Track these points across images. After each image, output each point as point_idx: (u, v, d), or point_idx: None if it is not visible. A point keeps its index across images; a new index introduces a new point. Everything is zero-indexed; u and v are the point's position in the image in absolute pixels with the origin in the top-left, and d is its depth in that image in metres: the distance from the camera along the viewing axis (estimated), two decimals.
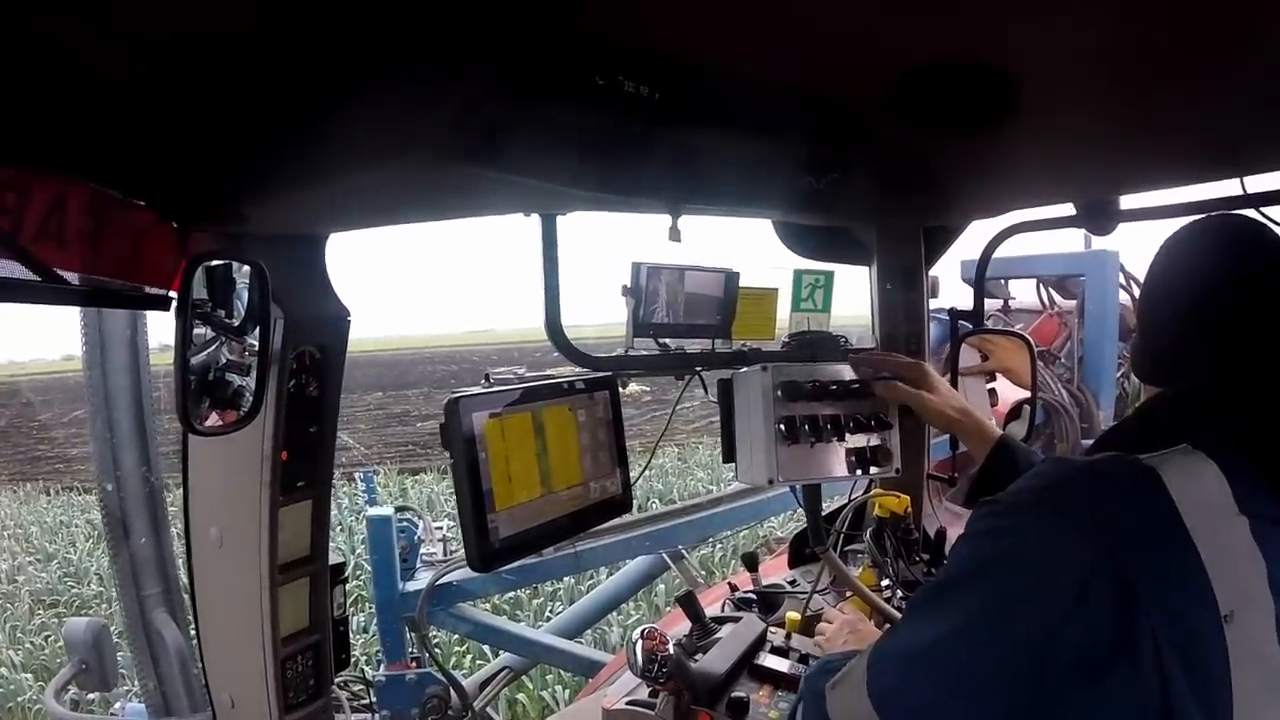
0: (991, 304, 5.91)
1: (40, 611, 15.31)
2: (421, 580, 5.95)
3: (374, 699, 5.55)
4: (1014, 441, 2.29)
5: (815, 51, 1.58)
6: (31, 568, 17.71)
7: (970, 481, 2.38)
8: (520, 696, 9.86)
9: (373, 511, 6.12)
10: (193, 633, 3.69)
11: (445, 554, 6.20)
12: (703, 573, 8.37)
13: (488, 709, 6.36)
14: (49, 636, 13.83)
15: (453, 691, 5.86)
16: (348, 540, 15.17)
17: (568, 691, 9.74)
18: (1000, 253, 3.03)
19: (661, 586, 12.34)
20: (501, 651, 7.36)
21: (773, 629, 2.62)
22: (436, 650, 6.31)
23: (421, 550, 6.20)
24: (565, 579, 12.91)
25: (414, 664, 5.92)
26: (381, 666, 6.04)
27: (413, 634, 5.97)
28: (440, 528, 6.39)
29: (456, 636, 9.60)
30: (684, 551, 7.62)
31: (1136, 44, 1.49)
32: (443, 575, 5.92)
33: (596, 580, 10.48)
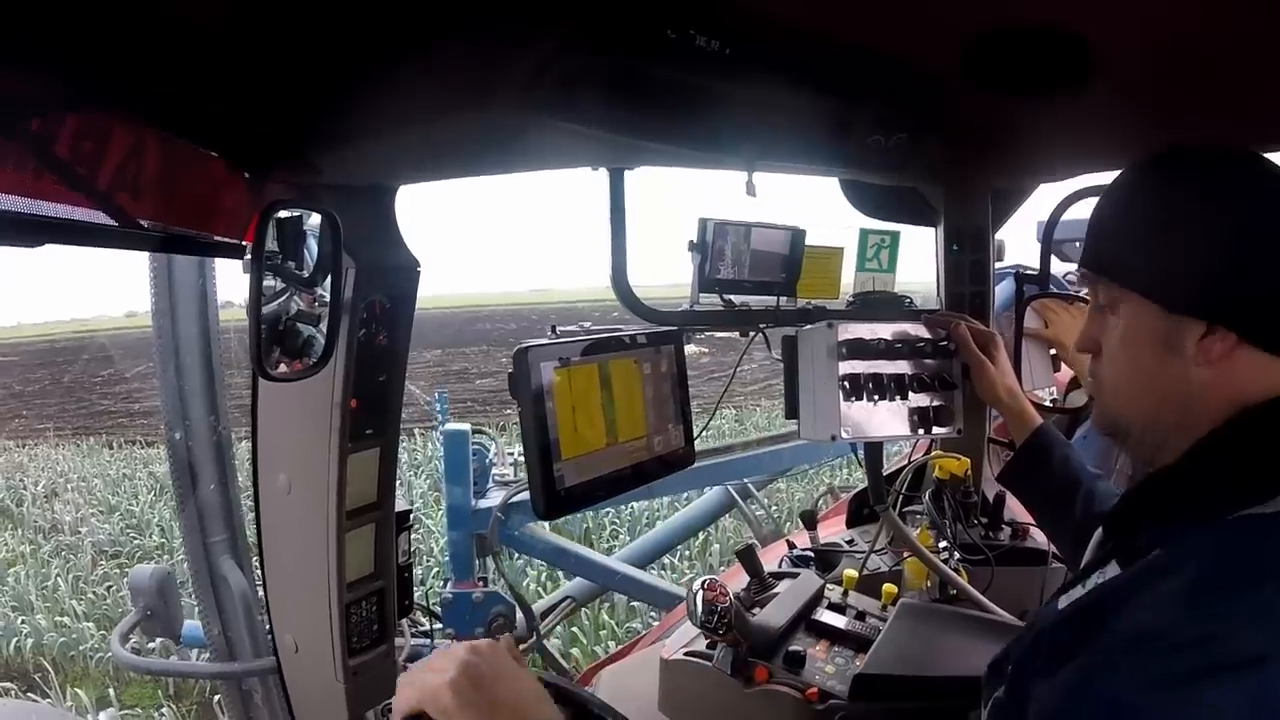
0: (1067, 267, 5.81)
1: (103, 562, 15.69)
2: (494, 499, 6.01)
3: (438, 617, 5.69)
4: (1051, 434, 2.27)
5: (889, 10, 1.57)
6: (94, 519, 18.08)
7: (1004, 464, 2.38)
8: (574, 651, 9.96)
9: (450, 426, 6.20)
10: (258, 579, 3.75)
11: (517, 475, 6.25)
12: (768, 517, 8.35)
13: (544, 643, 6.43)
14: (111, 587, 14.22)
15: (519, 613, 5.94)
16: (406, 494, 15.36)
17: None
18: (1078, 214, 2.99)
19: (716, 547, 12.42)
20: (566, 582, 7.46)
21: (830, 585, 2.64)
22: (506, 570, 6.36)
23: (494, 472, 6.26)
24: (620, 538, 13.08)
25: (480, 583, 5.99)
26: (448, 585, 6.12)
27: (482, 557, 6.06)
28: (512, 451, 6.45)
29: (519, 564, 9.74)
30: (751, 488, 7.65)
31: (1209, 8, 1.47)
32: (516, 494, 5.97)
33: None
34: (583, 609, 10.23)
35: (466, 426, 6.14)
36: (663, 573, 11.86)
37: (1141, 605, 1.17)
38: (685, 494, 9.68)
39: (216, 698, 9.60)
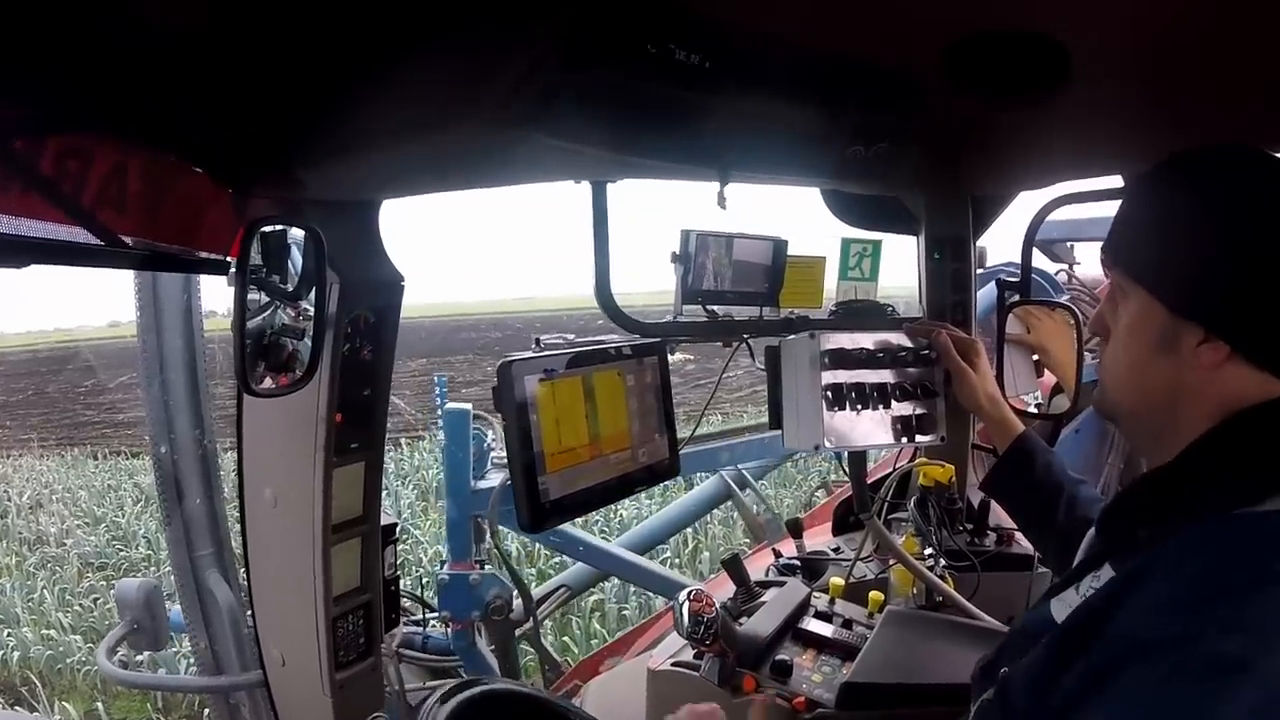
0: (1061, 265, 5.88)
1: (89, 574, 15.56)
2: (493, 480, 5.97)
3: (431, 607, 5.69)
4: (1033, 441, 2.28)
5: (868, 19, 1.58)
6: (80, 531, 17.94)
7: (988, 472, 2.39)
8: (565, 659, 9.97)
9: (452, 405, 6.18)
10: (244, 593, 3.75)
11: None
12: (766, 508, 8.30)
13: (540, 630, 6.41)
14: (97, 599, 14.11)
15: (516, 597, 5.92)
16: (394, 505, 15.38)
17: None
18: (1069, 214, 3.01)
19: (706, 554, 12.41)
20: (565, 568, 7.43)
21: (816, 594, 2.64)
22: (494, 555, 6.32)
23: (492, 455, 6.24)
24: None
25: (477, 566, 5.97)
26: (444, 567, 6.09)
27: (478, 543, 6.03)
28: None
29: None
30: (748, 477, 7.62)
31: (1187, 13, 1.48)
32: None
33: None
34: (574, 619, 10.23)
35: (468, 406, 6.11)
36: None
37: (1135, 608, 1.17)
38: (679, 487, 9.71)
39: (206, 710, 9.62)
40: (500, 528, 6.09)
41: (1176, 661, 1.07)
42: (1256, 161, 1.37)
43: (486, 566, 6.06)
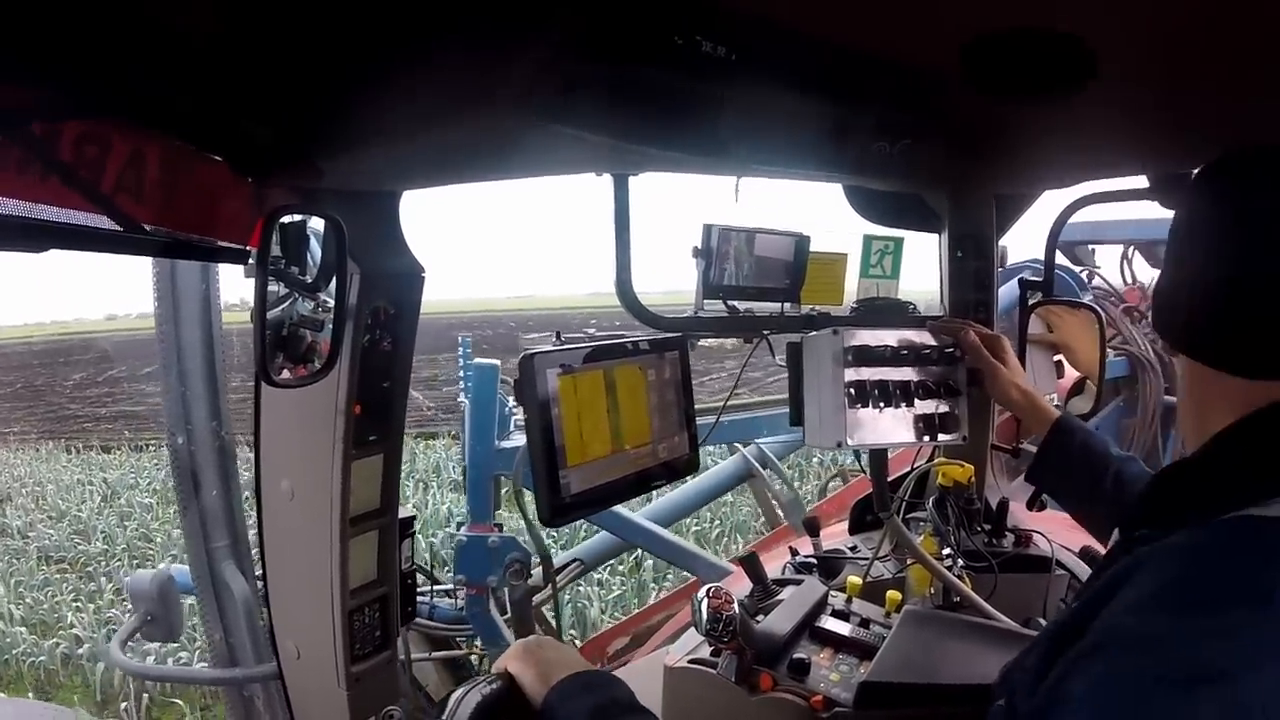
0: (1082, 268, 5.90)
1: (45, 568, 15.96)
2: (518, 440, 5.95)
3: (436, 579, 5.65)
4: (1071, 423, 2.31)
5: (892, 15, 1.57)
6: (42, 525, 18.37)
7: (1032, 462, 2.40)
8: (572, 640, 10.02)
9: (479, 360, 6.17)
10: (260, 585, 3.75)
11: None
12: (786, 488, 8.24)
13: (542, 609, 6.36)
14: (50, 592, 14.47)
15: (536, 564, 5.88)
16: None
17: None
18: (1090, 216, 3.01)
19: (650, 562, 12.42)
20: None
21: (834, 592, 2.62)
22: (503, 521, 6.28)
23: (515, 419, 6.21)
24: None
25: (496, 529, 5.93)
26: (463, 528, 6.06)
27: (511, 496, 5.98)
28: None
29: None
30: (770, 455, 7.56)
31: (1214, 9, 1.46)
32: None
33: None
34: (570, 632, 10.28)
35: (496, 362, 6.08)
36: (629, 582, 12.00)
37: (1119, 605, 1.14)
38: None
39: (146, 699, 9.78)
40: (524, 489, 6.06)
41: (1154, 659, 1.04)
42: (1219, 170, 1.39)
43: (522, 517, 6.04)
